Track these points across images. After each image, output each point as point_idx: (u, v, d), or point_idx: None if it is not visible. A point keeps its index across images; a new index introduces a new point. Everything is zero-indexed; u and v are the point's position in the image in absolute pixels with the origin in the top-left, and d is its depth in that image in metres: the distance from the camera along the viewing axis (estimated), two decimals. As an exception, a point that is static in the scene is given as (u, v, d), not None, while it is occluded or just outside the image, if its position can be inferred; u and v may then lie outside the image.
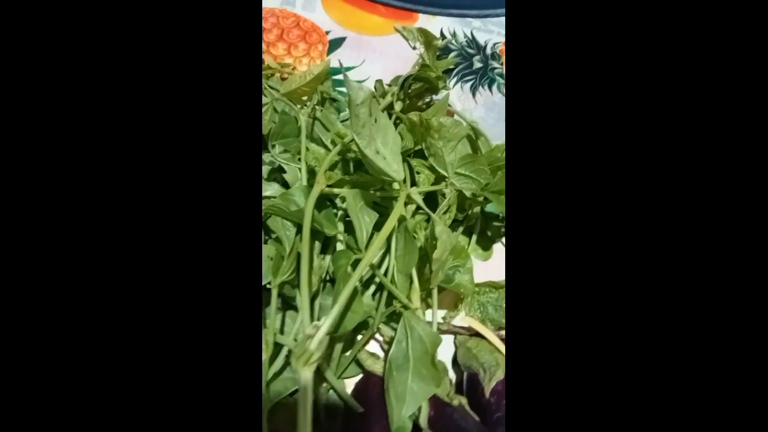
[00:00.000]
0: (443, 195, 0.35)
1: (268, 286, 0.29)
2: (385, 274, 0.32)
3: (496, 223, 0.45)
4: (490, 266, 0.43)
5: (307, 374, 0.21)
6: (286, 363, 0.31)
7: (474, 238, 0.42)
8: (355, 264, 0.30)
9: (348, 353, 0.33)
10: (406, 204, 0.30)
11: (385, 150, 0.27)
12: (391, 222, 0.28)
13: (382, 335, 0.35)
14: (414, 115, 0.33)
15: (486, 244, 0.44)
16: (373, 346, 0.36)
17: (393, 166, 0.27)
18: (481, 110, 0.54)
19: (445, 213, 0.33)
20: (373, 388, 0.31)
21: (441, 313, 0.39)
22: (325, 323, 0.22)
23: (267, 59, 0.49)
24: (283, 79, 0.48)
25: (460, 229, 0.41)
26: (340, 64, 0.52)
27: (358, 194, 0.31)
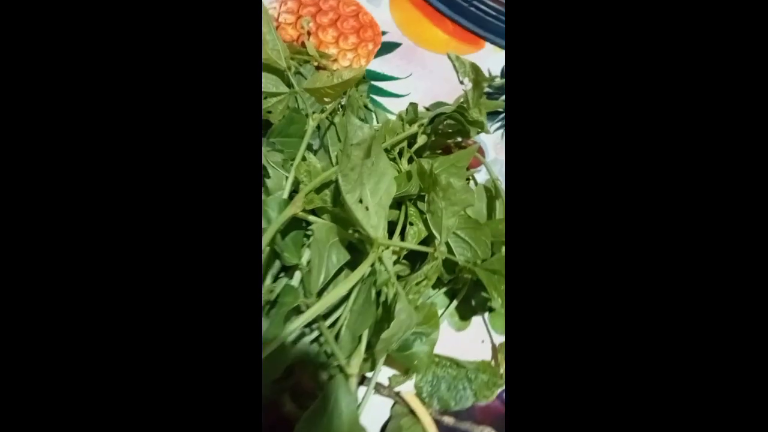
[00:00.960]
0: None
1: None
2: (336, 322, 0.29)
3: (484, 294, 0.40)
4: (463, 338, 0.39)
5: None
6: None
7: (454, 303, 0.38)
8: (298, 309, 0.26)
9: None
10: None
11: (371, 199, 0.24)
12: (353, 279, 0.24)
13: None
14: (426, 163, 0.29)
15: (465, 313, 0.40)
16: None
17: (372, 220, 0.24)
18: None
19: (421, 281, 0.29)
20: (278, 427, 0.28)
21: (389, 372, 0.35)
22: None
23: (309, 44, 0.46)
24: (318, 68, 0.45)
25: (442, 290, 0.37)
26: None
27: (332, 230, 0.27)
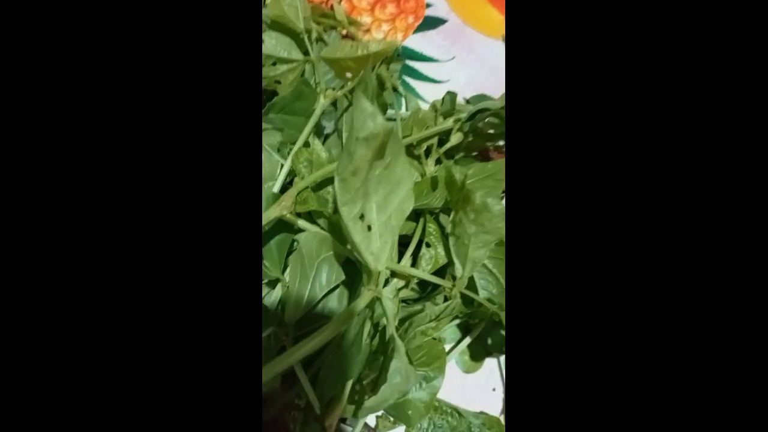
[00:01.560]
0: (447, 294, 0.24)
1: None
2: (318, 355, 0.23)
3: (502, 332, 0.34)
4: (471, 382, 0.33)
5: None
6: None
7: (467, 340, 0.32)
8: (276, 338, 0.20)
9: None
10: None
11: (376, 217, 0.17)
12: (339, 322, 0.18)
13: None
14: (458, 171, 0.23)
15: (478, 353, 0.33)
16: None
17: (373, 245, 0.17)
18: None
19: (433, 320, 0.22)
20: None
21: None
22: None
23: (339, 8, 0.39)
24: (344, 37, 0.38)
25: (454, 322, 0.31)
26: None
27: (326, 241, 0.21)
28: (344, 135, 0.30)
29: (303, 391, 0.23)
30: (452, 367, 0.33)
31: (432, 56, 0.42)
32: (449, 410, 0.30)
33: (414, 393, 0.27)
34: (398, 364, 0.17)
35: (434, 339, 0.28)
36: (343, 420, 0.28)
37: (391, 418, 0.29)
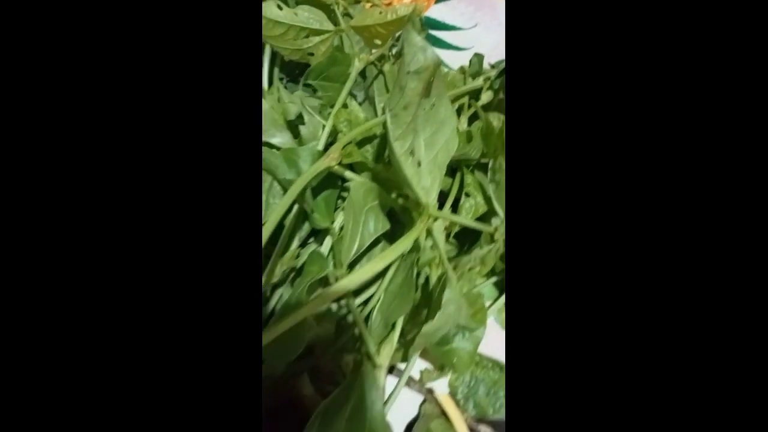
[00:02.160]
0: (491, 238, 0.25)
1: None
2: (367, 301, 0.24)
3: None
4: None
5: None
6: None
7: (504, 297, 0.32)
8: (326, 281, 0.22)
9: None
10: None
11: (425, 153, 0.18)
12: (393, 252, 0.19)
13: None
14: (496, 119, 0.23)
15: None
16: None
17: (424, 181, 0.18)
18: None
19: (472, 268, 0.23)
20: (291, 421, 0.25)
21: (421, 364, 0.31)
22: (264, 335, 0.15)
23: (363, -20, 0.39)
24: (374, 7, 0.39)
25: (492, 280, 0.32)
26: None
27: (372, 191, 0.22)
28: (377, 100, 0.31)
29: (353, 336, 0.25)
30: (491, 324, 0.34)
31: (455, 24, 0.43)
32: (490, 364, 0.31)
33: (458, 342, 0.28)
34: (451, 294, 0.18)
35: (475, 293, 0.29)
36: (390, 371, 0.29)
37: (434, 373, 0.30)
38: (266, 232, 0.19)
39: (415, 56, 0.15)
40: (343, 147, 0.22)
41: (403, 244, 0.19)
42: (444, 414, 0.28)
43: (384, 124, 0.19)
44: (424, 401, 0.30)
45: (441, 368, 0.30)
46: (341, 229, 0.25)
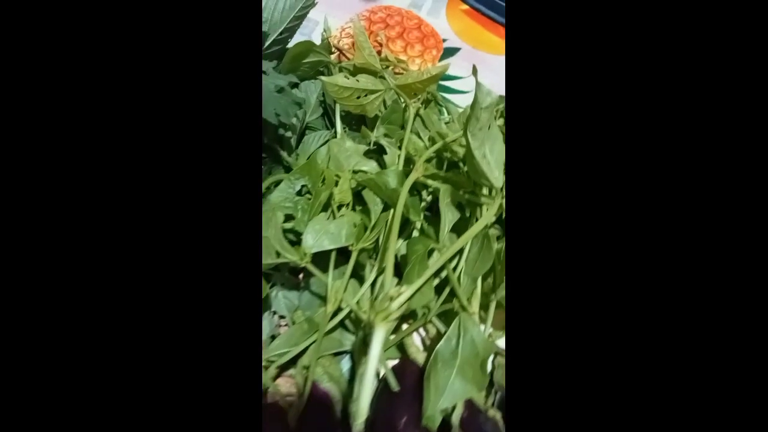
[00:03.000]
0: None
1: (349, 248, 0.31)
2: (455, 268, 0.33)
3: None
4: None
5: (382, 329, 0.22)
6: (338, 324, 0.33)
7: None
8: (431, 253, 0.31)
9: (393, 336, 0.35)
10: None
11: (490, 156, 0.29)
12: (480, 224, 0.29)
13: (426, 330, 0.36)
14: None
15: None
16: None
17: (495, 173, 0.29)
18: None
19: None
20: (409, 375, 0.32)
21: (488, 330, 0.39)
22: (407, 291, 0.23)
23: (386, 52, 0.52)
24: (397, 74, 0.51)
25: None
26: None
27: (448, 190, 0.33)
28: (420, 134, 0.43)
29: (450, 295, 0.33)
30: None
31: (456, 74, 0.56)
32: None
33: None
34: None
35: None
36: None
37: (500, 332, 0.39)
38: (395, 228, 0.29)
39: (484, 97, 0.26)
40: (423, 162, 0.33)
41: (486, 218, 0.29)
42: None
43: (454, 142, 0.29)
44: (494, 356, 0.38)
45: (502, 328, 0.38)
46: (423, 221, 0.35)
